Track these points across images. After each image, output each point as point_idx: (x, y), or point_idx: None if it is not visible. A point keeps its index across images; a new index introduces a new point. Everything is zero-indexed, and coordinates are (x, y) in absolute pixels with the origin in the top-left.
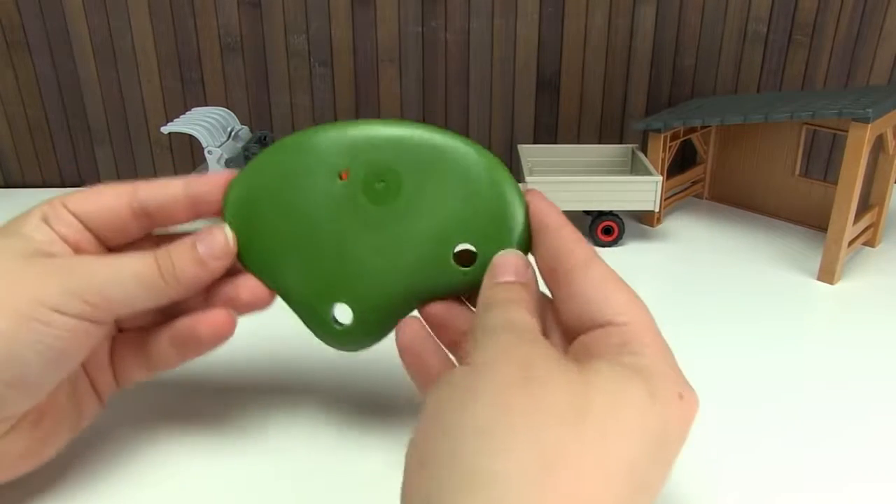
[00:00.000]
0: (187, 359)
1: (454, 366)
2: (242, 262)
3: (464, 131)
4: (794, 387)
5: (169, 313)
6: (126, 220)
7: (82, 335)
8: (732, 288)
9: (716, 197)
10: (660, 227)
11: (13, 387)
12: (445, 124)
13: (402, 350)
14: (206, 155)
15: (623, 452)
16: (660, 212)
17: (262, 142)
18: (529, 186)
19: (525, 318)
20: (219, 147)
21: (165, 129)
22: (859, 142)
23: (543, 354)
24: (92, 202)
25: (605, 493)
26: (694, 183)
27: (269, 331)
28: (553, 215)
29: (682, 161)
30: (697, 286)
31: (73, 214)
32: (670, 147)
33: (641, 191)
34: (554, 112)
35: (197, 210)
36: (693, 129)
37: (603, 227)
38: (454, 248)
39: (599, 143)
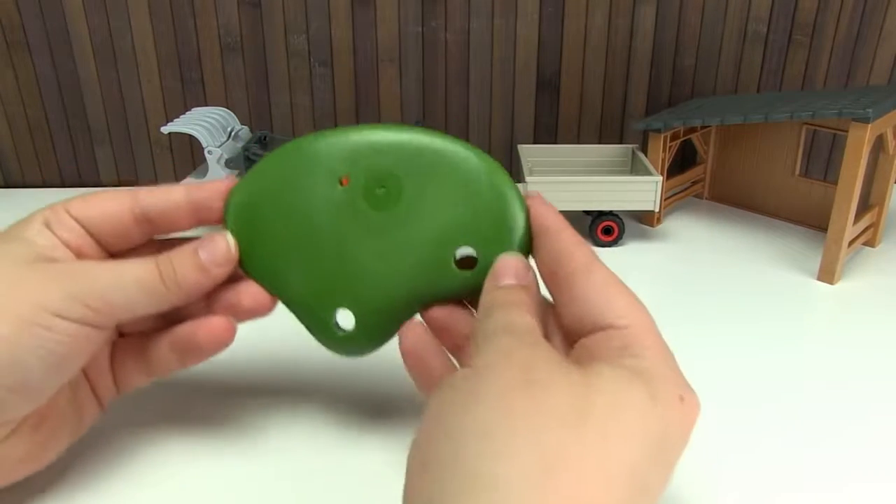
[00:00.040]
0: (187, 365)
1: (456, 369)
2: (244, 268)
3: (464, 131)
4: (794, 387)
5: (170, 319)
6: (128, 225)
7: (83, 340)
8: (732, 288)
9: (716, 197)
10: (660, 227)
11: (14, 391)
12: (445, 124)
13: (405, 354)
14: (206, 155)
15: (624, 455)
16: (660, 212)
17: (261, 142)
18: (529, 189)
19: (526, 320)
20: (219, 147)
21: (165, 129)
22: (859, 142)
23: (545, 357)
24: (94, 207)
25: (607, 495)
26: (694, 183)
27: (269, 331)
28: (553, 219)
29: (682, 161)
30: (697, 286)
31: (76, 219)
32: (670, 147)
33: (641, 191)
34: (554, 112)
35: (199, 217)
36: (693, 129)
37: (603, 227)
38: (455, 252)
39: (599, 143)
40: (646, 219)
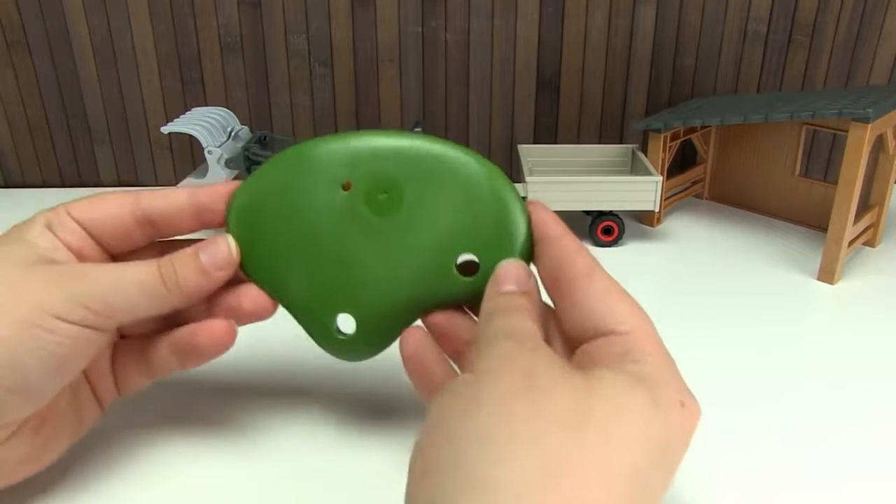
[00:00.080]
0: (188, 367)
1: (457, 374)
2: (245, 271)
3: (464, 131)
4: (793, 387)
5: (171, 321)
6: (130, 228)
7: (84, 342)
8: (732, 288)
9: (716, 197)
10: (660, 227)
11: (15, 393)
12: (445, 124)
13: (406, 359)
14: (206, 155)
15: (626, 459)
16: (660, 212)
17: (261, 142)
18: (529, 189)
19: (528, 326)
20: (219, 147)
21: (165, 129)
22: (859, 142)
23: (546, 363)
24: (96, 210)
25: (608, 499)
26: (694, 183)
27: (270, 332)
28: (555, 225)
29: (682, 161)
30: (697, 286)
31: (77, 222)
32: (670, 147)
33: (641, 191)
34: (554, 112)
35: (201, 220)
36: (693, 129)
37: (603, 227)
38: (457, 258)
39: (599, 143)
40: (646, 219)
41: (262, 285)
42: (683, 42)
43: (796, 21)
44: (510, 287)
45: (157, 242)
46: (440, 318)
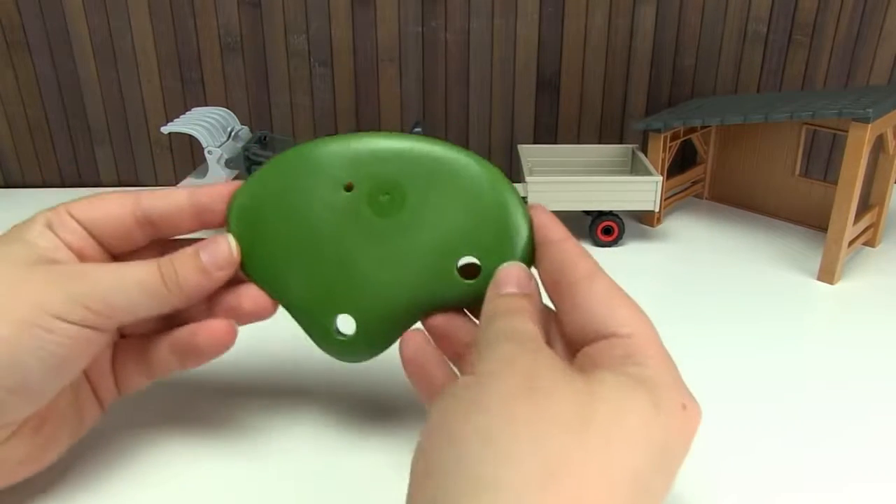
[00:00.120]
0: (188, 367)
1: (457, 377)
2: (245, 271)
3: (464, 131)
4: (793, 387)
5: (172, 321)
6: (130, 228)
7: (84, 342)
8: (732, 288)
9: (716, 197)
10: (660, 227)
11: (15, 393)
12: (445, 124)
13: (406, 362)
14: (206, 155)
15: (627, 461)
16: (660, 212)
17: (261, 142)
18: (529, 189)
19: (529, 328)
20: (219, 147)
21: (165, 129)
22: (859, 142)
23: (548, 365)
24: (96, 209)
25: (609, 501)
26: (694, 183)
27: (270, 332)
28: (556, 228)
29: (682, 161)
30: (697, 286)
31: (78, 221)
32: (670, 147)
33: (641, 191)
34: (554, 112)
35: (201, 220)
36: (693, 129)
37: (603, 227)
38: (458, 260)
39: (599, 143)
40: (646, 219)
41: (262, 285)
42: (683, 42)
43: (796, 21)
44: (511, 289)
45: (157, 242)
46: (440, 320)
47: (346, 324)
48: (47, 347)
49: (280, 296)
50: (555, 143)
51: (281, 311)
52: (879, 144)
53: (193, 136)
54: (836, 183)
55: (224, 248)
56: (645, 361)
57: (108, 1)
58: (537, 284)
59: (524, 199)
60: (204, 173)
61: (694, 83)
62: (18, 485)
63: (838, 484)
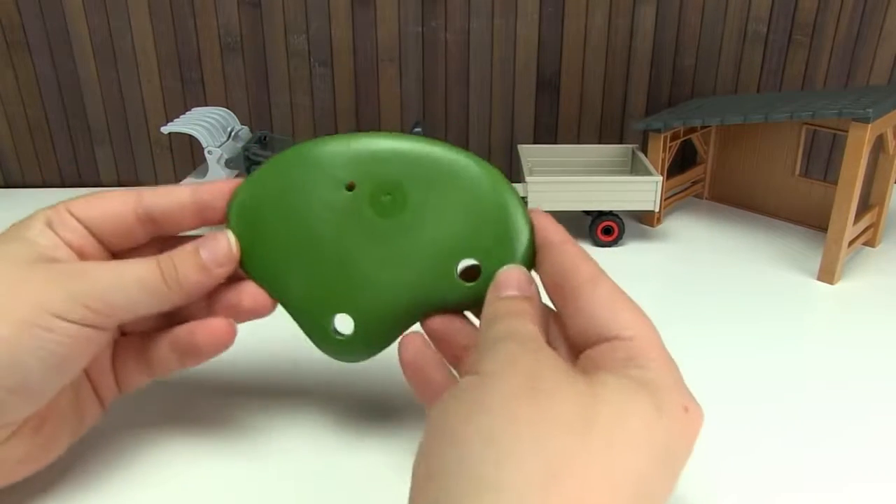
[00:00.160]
0: (188, 366)
1: (456, 380)
2: (245, 268)
3: (464, 131)
4: (794, 387)
5: (172, 318)
6: (131, 225)
7: (84, 341)
8: (732, 288)
9: (716, 197)
10: (660, 227)
11: (15, 393)
12: (445, 124)
13: (405, 365)
14: (206, 155)
15: (630, 464)
16: (660, 212)
17: (261, 142)
18: (530, 188)
19: (530, 329)
20: (219, 147)
21: (165, 129)
22: (859, 142)
23: (550, 365)
24: (97, 208)
25: (612, 503)
26: (694, 183)
27: (271, 333)
28: (557, 232)
29: (682, 161)
30: (697, 286)
31: (78, 219)
32: (670, 147)
33: (641, 191)
34: (554, 112)
35: (202, 217)
36: (693, 129)
37: (603, 227)
38: (458, 262)
39: (599, 143)
40: (646, 219)
41: (262, 283)
42: (683, 42)
43: (796, 21)
44: (512, 292)
45: (155, 238)
46: (439, 322)
47: (343, 323)
48: (47, 347)
49: (279, 294)
50: (555, 143)
51: (282, 311)
52: (879, 144)
53: (193, 136)
54: (836, 183)
55: (224, 245)
56: (647, 364)
57: (108, 1)
58: (537, 288)
59: (524, 199)
60: (204, 173)
61: (694, 83)
62: (18, 484)
63: (838, 484)
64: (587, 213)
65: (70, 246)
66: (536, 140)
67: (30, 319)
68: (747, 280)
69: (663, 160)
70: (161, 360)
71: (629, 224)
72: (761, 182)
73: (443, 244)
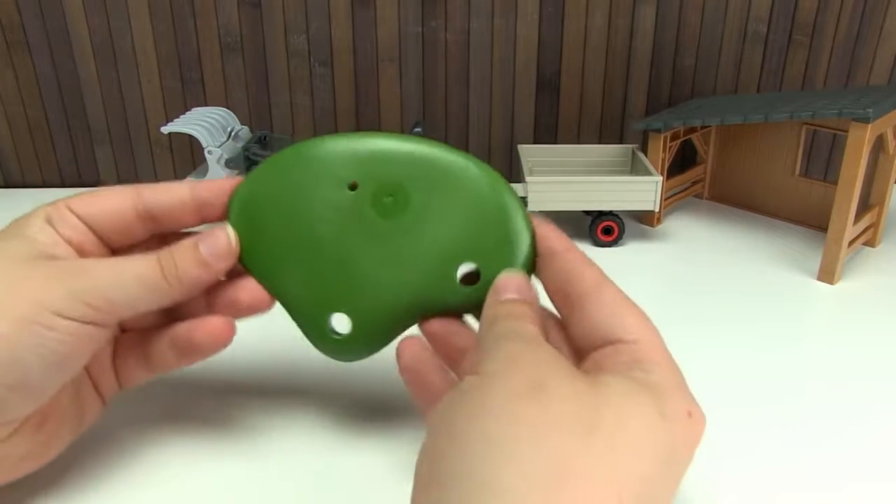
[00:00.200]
0: (188, 363)
1: (455, 382)
2: (244, 264)
3: (464, 131)
4: (794, 387)
5: (171, 314)
6: (131, 222)
7: (85, 338)
8: (732, 288)
9: (716, 197)
10: (660, 227)
11: (15, 391)
12: (445, 124)
13: (404, 370)
14: (206, 155)
15: (634, 468)
16: (660, 212)
17: (262, 142)
18: (529, 189)
19: (531, 328)
20: (219, 147)
21: (165, 129)
22: (859, 142)
23: (552, 363)
24: (96, 204)
25: None
26: (694, 183)
27: (272, 332)
28: (559, 240)
29: (682, 161)
30: (697, 286)
31: (78, 216)
32: (670, 147)
33: (641, 191)
34: (554, 112)
35: (202, 214)
36: (693, 129)
37: (603, 227)
38: (458, 266)
39: (599, 143)
40: (646, 219)
41: (260, 279)
42: (683, 42)
43: (796, 21)
44: (512, 296)
45: (155, 234)
46: (437, 325)
47: (340, 322)
48: (48, 344)
49: (277, 290)
50: (555, 143)
51: (282, 312)
52: (879, 144)
53: (193, 136)
54: (836, 183)
55: (223, 240)
56: (651, 367)
57: (108, 1)
58: (537, 293)
59: (524, 199)
60: (204, 173)
61: (694, 83)
62: (19, 485)
63: (839, 484)
64: (587, 213)
65: (70, 243)
66: (536, 140)
67: (30, 317)
68: (747, 280)
69: (663, 160)
70: (161, 357)
71: (629, 224)
72: (761, 182)
73: (443, 247)
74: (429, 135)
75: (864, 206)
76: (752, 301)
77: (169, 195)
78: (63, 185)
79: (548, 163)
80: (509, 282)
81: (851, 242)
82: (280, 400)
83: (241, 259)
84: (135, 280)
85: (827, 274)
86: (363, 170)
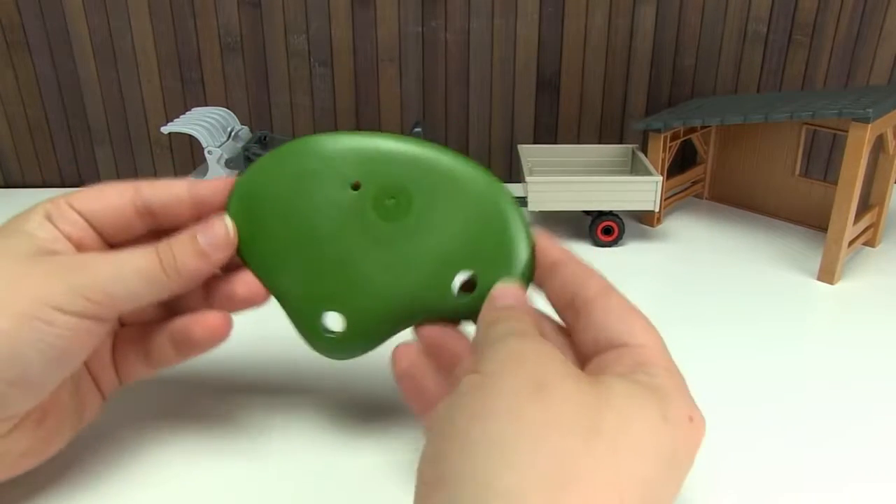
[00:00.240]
0: (187, 357)
1: (450, 388)
2: (242, 256)
3: (464, 131)
4: (794, 387)
5: (170, 308)
6: (130, 218)
7: (85, 333)
8: (732, 288)
9: (716, 197)
10: (660, 227)
11: (15, 386)
12: (445, 124)
13: (400, 377)
14: (206, 155)
15: (637, 470)
16: (660, 212)
17: (262, 142)
18: (529, 189)
19: (531, 327)
20: (219, 147)
21: (165, 129)
22: (859, 142)
23: (554, 360)
24: (96, 200)
25: None
26: (694, 183)
27: (272, 332)
28: (560, 251)
29: (682, 161)
30: (697, 286)
31: (77, 212)
32: (670, 147)
33: (641, 191)
34: (554, 112)
35: (200, 212)
36: (693, 129)
37: (603, 227)
38: (457, 273)
39: (599, 143)
40: (646, 219)
41: (257, 273)
42: (683, 42)
43: (796, 21)
44: (508, 302)
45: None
46: (432, 331)
47: (333, 321)
48: (48, 340)
49: (272, 285)
50: (555, 143)
51: (283, 312)
52: (879, 144)
53: (193, 136)
54: (836, 183)
55: (221, 230)
56: (655, 371)
57: (108, 1)
58: (534, 304)
59: (524, 199)
60: (204, 173)
61: (694, 83)
62: (19, 484)
63: (839, 484)
64: (587, 213)
65: (69, 239)
66: (536, 140)
67: (30, 312)
68: (747, 280)
69: (663, 160)
70: (160, 351)
71: (629, 224)
72: (761, 182)
73: (442, 253)
74: (429, 135)
75: (864, 206)
76: (752, 301)
77: (167, 191)
78: (63, 185)
79: (548, 163)
80: (506, 291)
81: (851, 242)
82: (280, 399)
83: (238, 251)
84: (134, 273)
85: (827, 274)
86: (367, 170)
